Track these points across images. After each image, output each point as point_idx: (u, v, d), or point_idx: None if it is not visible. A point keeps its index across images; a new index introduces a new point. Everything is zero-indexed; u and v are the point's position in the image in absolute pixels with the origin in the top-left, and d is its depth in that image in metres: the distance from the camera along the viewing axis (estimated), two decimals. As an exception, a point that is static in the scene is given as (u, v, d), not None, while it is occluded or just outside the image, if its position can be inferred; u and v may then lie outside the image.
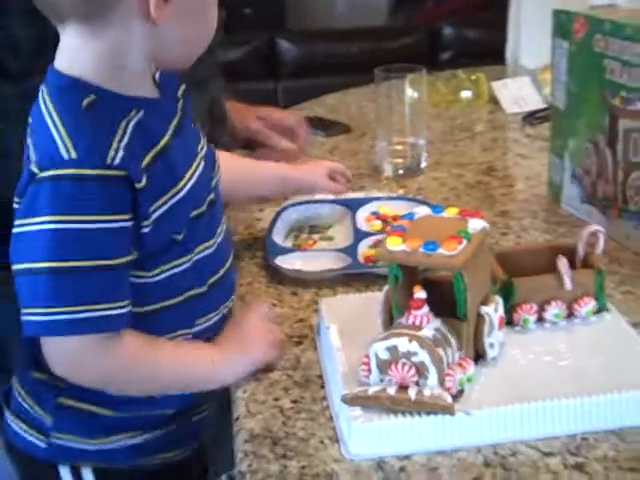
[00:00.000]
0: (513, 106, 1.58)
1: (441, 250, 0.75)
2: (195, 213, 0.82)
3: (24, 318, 0.75)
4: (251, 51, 3.04)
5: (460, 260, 0.75)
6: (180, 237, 0.80)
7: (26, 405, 0.87)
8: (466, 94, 1.66)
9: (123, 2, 0.74)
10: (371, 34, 3.06)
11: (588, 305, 0.84)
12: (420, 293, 0.75)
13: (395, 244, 0.77)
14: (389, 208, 1.15)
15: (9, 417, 0.88)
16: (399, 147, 1.31)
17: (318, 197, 1.16)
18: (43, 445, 0.86)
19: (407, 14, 4.00)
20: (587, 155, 1.09)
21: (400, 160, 1.30)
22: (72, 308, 0.73)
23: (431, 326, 0.74)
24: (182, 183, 0.80)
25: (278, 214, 1.13)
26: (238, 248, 1.05)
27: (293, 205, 1.15)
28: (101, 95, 0.76)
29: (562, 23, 1.09)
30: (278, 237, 1.09)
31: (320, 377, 0.82)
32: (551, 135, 1.18)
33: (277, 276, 1.01)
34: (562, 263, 0.83)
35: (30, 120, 0.79)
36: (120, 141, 0.74)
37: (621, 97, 1.00)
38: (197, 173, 0.83)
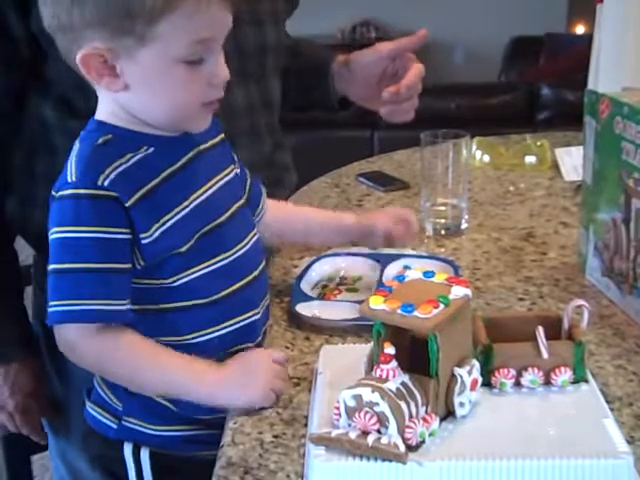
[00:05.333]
0: (572, 174, 1.61)
1: (416, 312, 0.82)
2: (204, 230, 0.94)
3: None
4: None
5: (432, 323, 0.81)
6: (183, 250, 0.92)
7: (103, 394, 1.01)
8: (530, 159, 1.70)
9: (92, 75, 0.90)
10: (470, 90, 3.11)
11: (564, 375, 0.88)
12: (389, 349, 0.82)
13: (377, 303, 0.85)
14: (419, 266, 1.21)
15: (89, 406, 1.03)
16: (442, 208, 1.37)
17: (354, 250, 1.24)
18: (114, 426, 1.00)
19: (519, 71, 4.04)
20: (607, 230, 1.13)
21: (442, 220, 1.37)
22: (68, 301, 0.88)
23: (397, 380, 0.81)
24: (185, 204, 0.93)
25: (312, 263, 1.22)
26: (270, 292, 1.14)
27: (327, 256, 1.24)
28: (117, 133, 0.91)
29: (592, 102, 1.14)
30: (307, 285, 1.18)
31: (306, 417, 0.90)
32: (581, 207, 1.23)
33: (296, 321, 1.09)
34: (539, 333, 0.88)
35: None
36: (116, 168, 0.88)
37: (634, 178, 1.04)
38: (205, 196, 0.95)
